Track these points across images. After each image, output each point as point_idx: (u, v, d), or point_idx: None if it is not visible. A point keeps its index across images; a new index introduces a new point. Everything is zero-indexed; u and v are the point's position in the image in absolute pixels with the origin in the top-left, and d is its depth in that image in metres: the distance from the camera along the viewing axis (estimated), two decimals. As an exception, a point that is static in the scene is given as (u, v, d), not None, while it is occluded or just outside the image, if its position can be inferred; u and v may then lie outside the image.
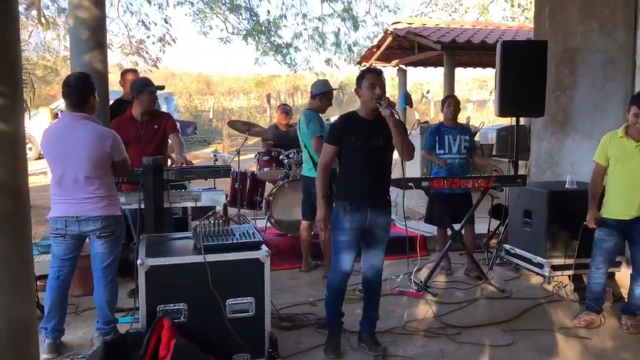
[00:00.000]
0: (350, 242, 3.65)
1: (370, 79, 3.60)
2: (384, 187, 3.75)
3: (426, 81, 29.14)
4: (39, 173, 11.69)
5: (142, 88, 4.77)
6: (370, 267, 3.82)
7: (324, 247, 5.34)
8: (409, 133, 10.46)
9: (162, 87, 4.96)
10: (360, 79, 3.69)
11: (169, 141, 4.99)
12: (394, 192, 7.70)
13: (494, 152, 10.16)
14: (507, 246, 5.61)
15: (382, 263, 3.83)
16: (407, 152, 3.60)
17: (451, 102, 5.54)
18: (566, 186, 5.20)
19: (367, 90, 3.60)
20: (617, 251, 4.32)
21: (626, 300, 4.36)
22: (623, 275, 4.87)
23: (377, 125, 3.62)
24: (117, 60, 15.45)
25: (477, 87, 31.12)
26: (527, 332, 4.12)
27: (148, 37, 15.29)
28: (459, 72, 13.24)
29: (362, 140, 3.60)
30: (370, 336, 3.86)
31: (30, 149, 14.04)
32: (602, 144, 4.23)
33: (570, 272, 4.98)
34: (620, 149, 4.12)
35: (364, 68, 3.92)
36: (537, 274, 5.22)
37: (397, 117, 3.53)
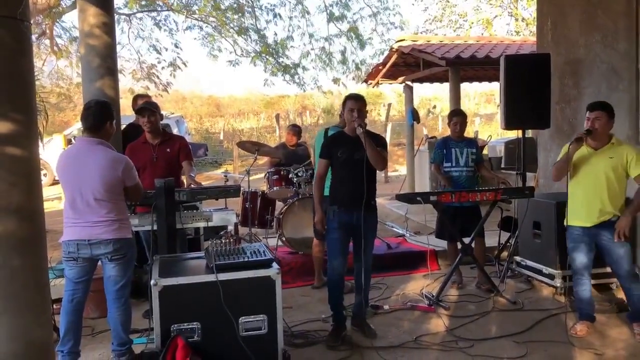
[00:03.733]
0: (340, 239, 4.23)
1: (350, 104, 4.22)
2: (368, 193, 4.17)
3: (434, 96, 29.22)
4: (54, 198, 11.83)
5: (137, 110, 4.94)
6: (359, 263, 4.33)
7: (315, 262, 5.64)
8: (417, 149, 10.59)
9: (152, 109, 4.85)
10: (343, 104, 4.34)
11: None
12: (404, 208, 7.78)
13: (502, 165, 10.15)
14: (518, 258, 5.61)
15: (370, 259, 4.34)
16: (378, 164, 4.15)
17: (457, 121, 5.52)
18: (574, 197, 5.18)
19: (347, 113, 4.22)
20: (592, 256, 4.25)
21: (629, 308, 4.30)
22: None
23: (359, 141, 4.09)
24: (129, 85, 15.66)
25: (485, 100, 31.15)
26: (540, 343, 4.10)
27: (159, 62, 15.48)
28: (467, 85, 13.29)
29: (346, 155, 4.19)
30: (362, 320, 4.41)
31: (44, 175, 14.22)
32: (564, 151, 4.24)
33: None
34: (579, 156, 4.16)
35: (348, 94, 4.42)
36: (549, 285, 5.20)
37: (363, 134, 4.03)
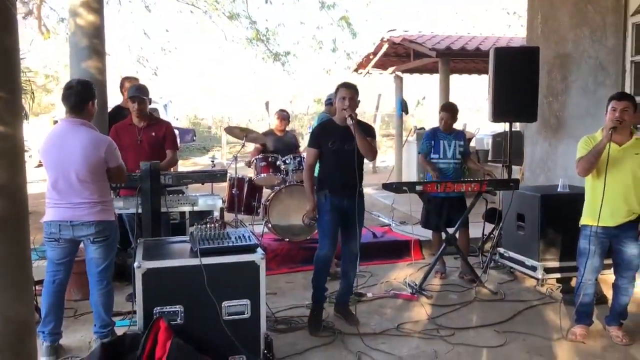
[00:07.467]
0: (332, 222, 4.21)
1: (341, 92, 4.15)
2: (356, 181, 4.14)
3: (425, 87, 29.12)
4: (39, 180, 11.71)
5: (129, 96, 4.85)
6: (347, 250, 4.36)
7: None
8: (405, 139, 10.60)
9: (144, 97, 4.83)
10: (335, 91, 4.24)
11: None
12: (390, 197, 7.81)
13: (489, 158, 10.19)
14: (501, 249, 5.66)
15: (357, 246, 4.30)
16: (368, 154, 4.17)
17: (444, 117, 5.49)
18: (558, 190, 5.24)
19: (339, 102, 4.15)
20: (603, 259, 4.02)
21: (611, 310, 4.13)
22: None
23: (349, 131, 4.08)
24: (117, 67, 15.50)
25: (477, 92, 31.11)
26: (520, 334, 4.15)
27: (149, 46, 15.38)
28: (460, 77, 13.31)
29: (337, 145, 4.15)
30: (345, 306, 4.42)
31: (30, 156, 14.07)
32: (586, 144, 3.94)
33: (568, 274, 4.98)
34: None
35: (340, 83, 4.33)
36: (531, 276, 5.25)
37: (354, 124, 4.01)
